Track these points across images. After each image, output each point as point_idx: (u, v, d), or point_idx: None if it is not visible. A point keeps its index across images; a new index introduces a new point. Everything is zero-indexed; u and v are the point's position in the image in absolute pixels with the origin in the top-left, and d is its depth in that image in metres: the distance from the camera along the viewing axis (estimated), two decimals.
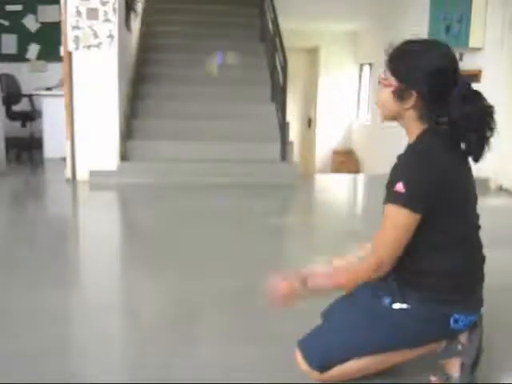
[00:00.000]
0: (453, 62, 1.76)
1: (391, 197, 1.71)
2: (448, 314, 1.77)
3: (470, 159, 1.78)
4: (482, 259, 1.87)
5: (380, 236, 1.74)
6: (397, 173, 1.72)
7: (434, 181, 1.69)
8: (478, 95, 1.75)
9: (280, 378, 1.96)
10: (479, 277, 1.86)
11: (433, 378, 1.87)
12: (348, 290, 1.90)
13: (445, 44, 1.80)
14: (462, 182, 1.78)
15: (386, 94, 1.81)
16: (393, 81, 1.78)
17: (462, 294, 1.78)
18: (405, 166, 1.73)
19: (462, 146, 1.74)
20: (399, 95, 1.77)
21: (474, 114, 1.70)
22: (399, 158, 1.77)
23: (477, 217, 1.86)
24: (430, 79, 1.72)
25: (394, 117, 1.83)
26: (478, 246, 1.86)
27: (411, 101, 1.75)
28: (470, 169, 1.83)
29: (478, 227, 1.86)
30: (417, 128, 1.79)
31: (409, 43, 1.80)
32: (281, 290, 1.81)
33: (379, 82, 1.84)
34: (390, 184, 1.72)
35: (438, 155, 1.72)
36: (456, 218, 1.76)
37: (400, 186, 1.67)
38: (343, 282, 1.81)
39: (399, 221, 1.70)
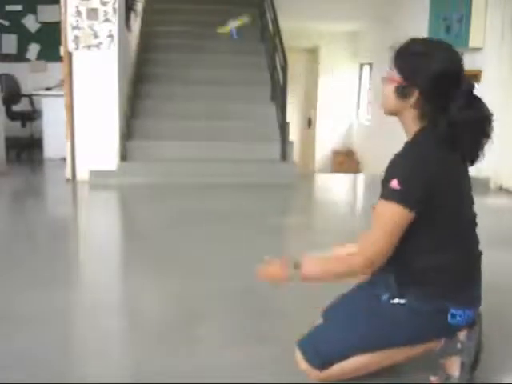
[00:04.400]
0: (457, 65, 1.78)
1: (386, 193, 1.72)
2: (445, 309, 1.78)
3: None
4: (479, 255, 1.88)
5: (370, 235, 1.74)
6: (393, 170, 1.74)
7: (429, 180, 1.70)
8: (479, 101, 1.77)
9: (281, 378, 1.96)
10: (476, 272, 1.87)
11: (432, 378, 1.87)
12: (334, 280, 1.88)
13: (450, 46, 1.81)
14: (456, 181, 1.79)
15: (389, 89, 1.82)
16: (397, 77, 1.80)
17: (459, 290, 1.80)
18: (400, 164, 1.74)
19: (456, 147, 1.75)
20: (401, 92, 1.78)
21: (474, 119, 1.73)
22: (396, 155, 1.78)
23: (473, 214, 1.87)
24: (433, 81, 1.73)
25: (395, 113, 1.85)
26: (475, 242, 1.88)
27: (412, 99, 1.77)
28: (465, 168, 1.85)
29: (475, 224, 1.87)
30: (415, 126, 1.80)
31: (416, 42, 1.81)
32: (272, 270, 1.88)
33: (383, 77, 1.85)
34: (386, 180, 1.73)
35: (432, 155, 1.74)
36: (451, 216, 1.77)
37: (395, 183, 1.68)
38: (329, 274, 1.84)
39: (392, 217, 1.70)
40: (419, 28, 6.73)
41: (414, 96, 1.76)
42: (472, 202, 1.87)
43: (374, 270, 1.75)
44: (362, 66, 10.39)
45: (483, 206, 5.14)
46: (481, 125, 1.75)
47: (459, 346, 1.83)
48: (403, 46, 1.81)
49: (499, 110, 5.54)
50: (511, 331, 2.38)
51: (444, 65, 1.74)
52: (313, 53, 10.82)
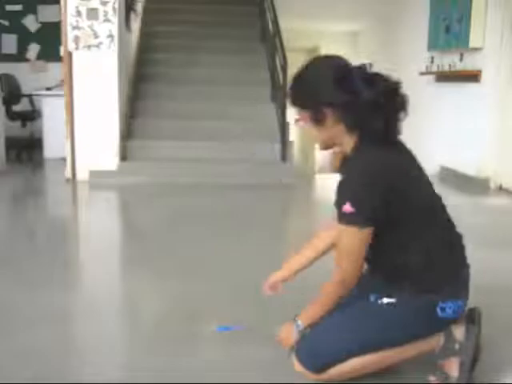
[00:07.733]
0: (337, 62, 1.81)
1: (341, 218, 1.74)
2: (433, 303, 1.78)
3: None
4: (458, 238, 1.88)
5: (339, 253, 1.79)
6: (342, 193, 1.75)
7: (381, 189, 1.71)
8: (377, 76, 1.80)
9: (281, 378, 1.96)
10: (458, 257, 1.87)
11: (432, 378, 1.87)
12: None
13: (321, 55, 1.88)
14: (408, 175, 1.79)
15: (308, 126, 1.83)
16: (304, 113, 1.82)
17: (444, 281, 1.80)
18: (348, 185, 1.75)
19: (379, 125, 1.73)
20: (316, 120, 1.79)
21: (380, 94, 1.73)
22: (342, 177, 1.79)
23: (437, 200, 1.87)
24: (327, 86, 1.74)
25: (330, 143, 1.86)
26: (449, 226, 1.88)
27: (329, 118, 1.77)
28: (411, 156, 1.85)
29: (442, 209, 1.88)
30: (351, 140, 1.80)
31: (295, 77, 1.84)
32: (284, 336, 1.98)
33: (296, 121, 1.87)
34: (338, 204, 1.75)
35: (376, 161, 1.73)
36: (415, 210, 1.78)
37: (347, 207, 1.70)
38: (324, 306, 1.87)
39: (353, 239, 1.74)
40: (419, 28, 6.74)
41: (327, 114, 1.76)
42: (432, 189, 1.87)
43: (349, 285, 1.79)
44: None
45: (483, 206, 5.15)
46: (390, 98, 1.74)
47: (457, 346, 1.83)
48: (290, 87, 1.84)
49: (499, 110, 5.57)
50: (511, 331, 2.38)
51: (323, 67, 1.78)
52: (313, 53, 10.82)
